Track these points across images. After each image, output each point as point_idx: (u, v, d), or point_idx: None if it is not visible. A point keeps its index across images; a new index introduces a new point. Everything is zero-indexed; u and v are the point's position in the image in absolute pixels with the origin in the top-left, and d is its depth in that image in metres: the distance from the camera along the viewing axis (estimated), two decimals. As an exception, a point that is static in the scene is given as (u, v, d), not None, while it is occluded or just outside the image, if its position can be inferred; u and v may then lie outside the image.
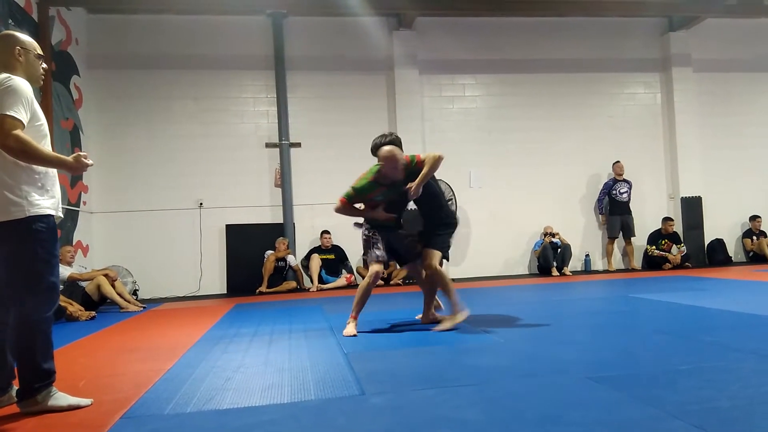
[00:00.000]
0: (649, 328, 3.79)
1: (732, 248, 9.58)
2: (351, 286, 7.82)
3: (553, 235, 8.67)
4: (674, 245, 8.95)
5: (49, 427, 2.11)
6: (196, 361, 3.23)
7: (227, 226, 8.33)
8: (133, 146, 8.28)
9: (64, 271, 6.09)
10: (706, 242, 9.40)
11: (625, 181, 9.07)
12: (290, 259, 7.99)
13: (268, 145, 8.55)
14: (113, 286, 6.24)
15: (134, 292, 7.48)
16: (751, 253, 9.40)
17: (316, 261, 7.93)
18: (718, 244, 9.37)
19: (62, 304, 5.37)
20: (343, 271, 8.18)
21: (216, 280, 8.32)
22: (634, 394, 2.16)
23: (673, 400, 2.06)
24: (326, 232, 8.17)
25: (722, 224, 9.52)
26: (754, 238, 9.38)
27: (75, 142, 7.58)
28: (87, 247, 7.77)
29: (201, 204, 8.34)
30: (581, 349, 3.11)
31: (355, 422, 2.01)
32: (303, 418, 2.08)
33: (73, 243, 7.24)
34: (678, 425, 1.79)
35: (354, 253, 8.19)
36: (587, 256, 9.19)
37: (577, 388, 2.31)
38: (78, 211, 7.52)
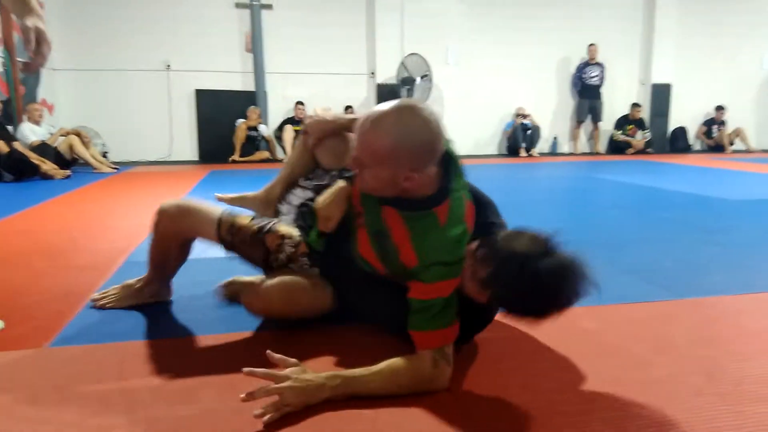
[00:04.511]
0: (608, 204, 4.08)
1: (693, 137, 9.93)
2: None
3: (524, 116, 8.78)
4: (639, 131, 9.22)
5: (58, 269, 2.25)
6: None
7: (197, 91, 8.13)
8: (93, -1, 7.75)
9: (30, 135, 5.95)
10: (670, 130, 9.70)
11: (597, 64, 9.05)
12: (262, 128, 7.94)
13: (238, 5, 8.11)
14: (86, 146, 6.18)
15: (104, 154, 7.40)
16: (701, 143, 9.82)
17: (289, 132, 7.90)
18: (681, 132, 9.69)
19: (35, 161, 5.34)
20: (316, 142, 8.18)
21: (187, 146, 8.27)
22: (590, 255, 2.41)
23: (625, 260, 2.34)
24: (300, 103, 8.08)
25: (688, 113, 9.75)
26: (715, 127, 9.70)
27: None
28: (52, 105, 7.52)
29: (168, 66, 8.04)
30: (543, 220, 3.36)
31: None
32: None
33: (38, 100, 6.99)
34: (628, 279, 2.06)
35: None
36: (555, 138, 9.40)
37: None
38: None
